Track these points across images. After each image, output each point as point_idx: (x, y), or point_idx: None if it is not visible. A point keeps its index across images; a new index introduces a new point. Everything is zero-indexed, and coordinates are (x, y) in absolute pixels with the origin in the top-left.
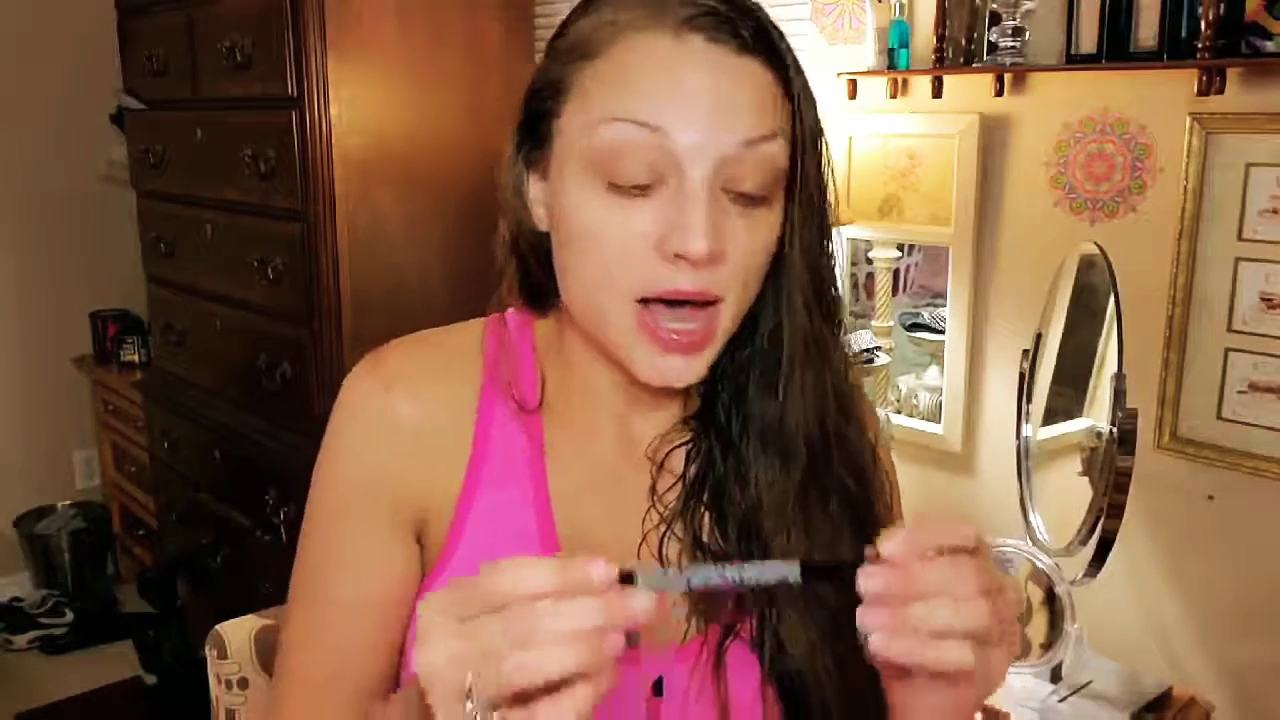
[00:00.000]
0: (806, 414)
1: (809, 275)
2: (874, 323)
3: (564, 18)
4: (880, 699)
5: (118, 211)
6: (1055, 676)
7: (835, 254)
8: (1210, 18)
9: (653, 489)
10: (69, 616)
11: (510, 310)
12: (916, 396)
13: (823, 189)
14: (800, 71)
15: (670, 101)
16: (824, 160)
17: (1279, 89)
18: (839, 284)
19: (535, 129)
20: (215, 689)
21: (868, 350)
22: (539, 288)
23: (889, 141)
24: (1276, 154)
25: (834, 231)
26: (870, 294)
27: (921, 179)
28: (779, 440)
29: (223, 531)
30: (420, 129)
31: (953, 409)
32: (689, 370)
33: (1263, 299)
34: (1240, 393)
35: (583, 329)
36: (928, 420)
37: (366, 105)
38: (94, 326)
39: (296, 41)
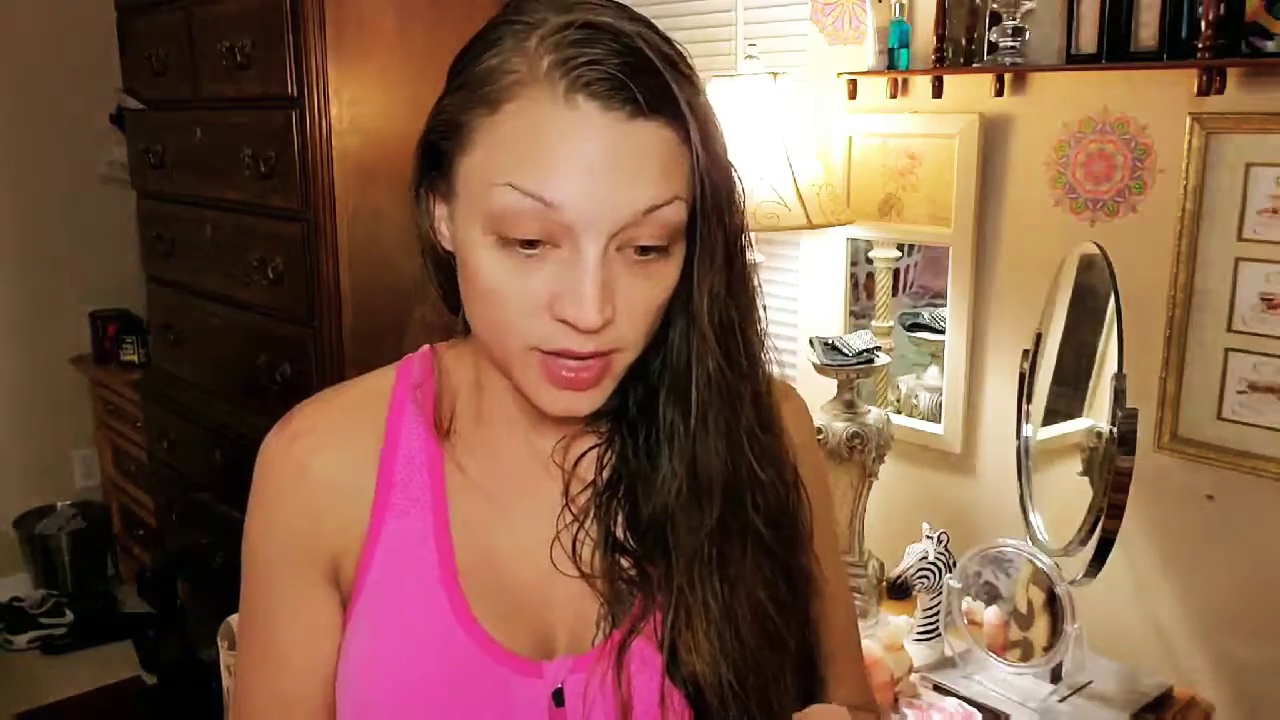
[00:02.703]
0: (719, 459)
1: (716, 328)
2: (874, 323)
3: (470, 44)
4: (780, 713)
5: (118, 211)
6: (1055, 676)
7: (756, 296)
8: (1210, 18)
9: (566, 490)
10: (69, 616)
11: (425, 351)
12: (916, 396)
13: (732, 236)
14: (706, 121)
15: (564, 174)
16: (735, 208)
17: (1279, 89)
18: (760, 324)
19: (437, 159)
20: (226, 680)
21: (868, 350)
22: (458, 301)
23: (889, 141)
24: (1277, 154)
25: (750, 274)
26: (870, 294)
27: (922, 179)
28: (693, 484)
29: (222, 531)
30: (419, 129)
31: (953, 409)
32: (588, 402)
33: (1263, 299)
34: (1240, 393)
35: (485, 354)
36: (928, 420)
37: (366, 105)
38: (93, 326)
39: (296, 41)
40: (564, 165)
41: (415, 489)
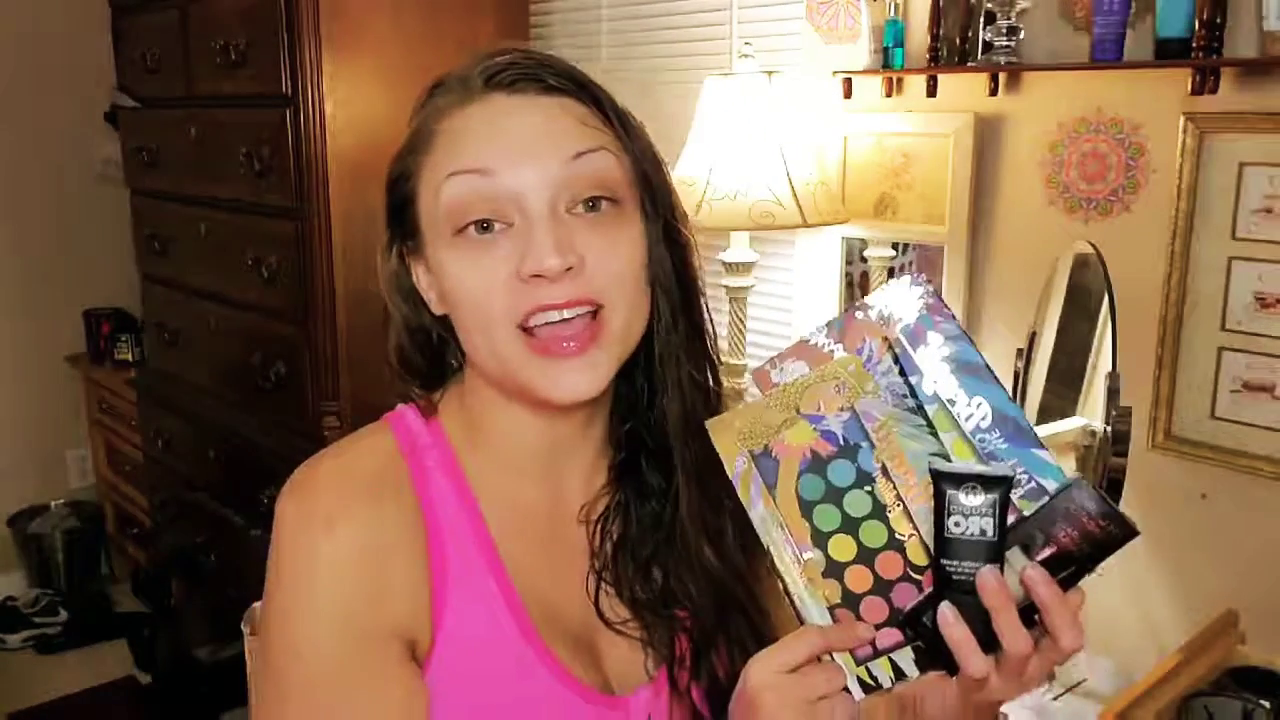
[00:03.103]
0: (700, 506)
1: (675, 290)
2: None
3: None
4: None
5: (112, 210)
6: (1050, 675)
7: (701, 282)
8: (1204, 17)
9: (592, 553)
10: (63, 615)
11: (405, 410)
12: None
13: (674, 211)
14: (615, 105)
15: (492, 148)
16: (668, 186)
17: (1272, 89)
18: (709, 320)
19: (402, 220)
20: (250, 664)
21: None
22: (428, 376)
23: (884, 140)
24: (1270, 153)
25: (691, 251)
26: (865, 293)
27: (916, 178)
28: (684, 522)
29: (217, 530)
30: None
31: None
32: (586, 375)
33: (1256, 298)
34: (1233, 392)
35: (489, 379)
36: None
37: (361, 103)
38: (88, 325)
39: (291, 39)
40: (493, 141)
41: (465, 547)
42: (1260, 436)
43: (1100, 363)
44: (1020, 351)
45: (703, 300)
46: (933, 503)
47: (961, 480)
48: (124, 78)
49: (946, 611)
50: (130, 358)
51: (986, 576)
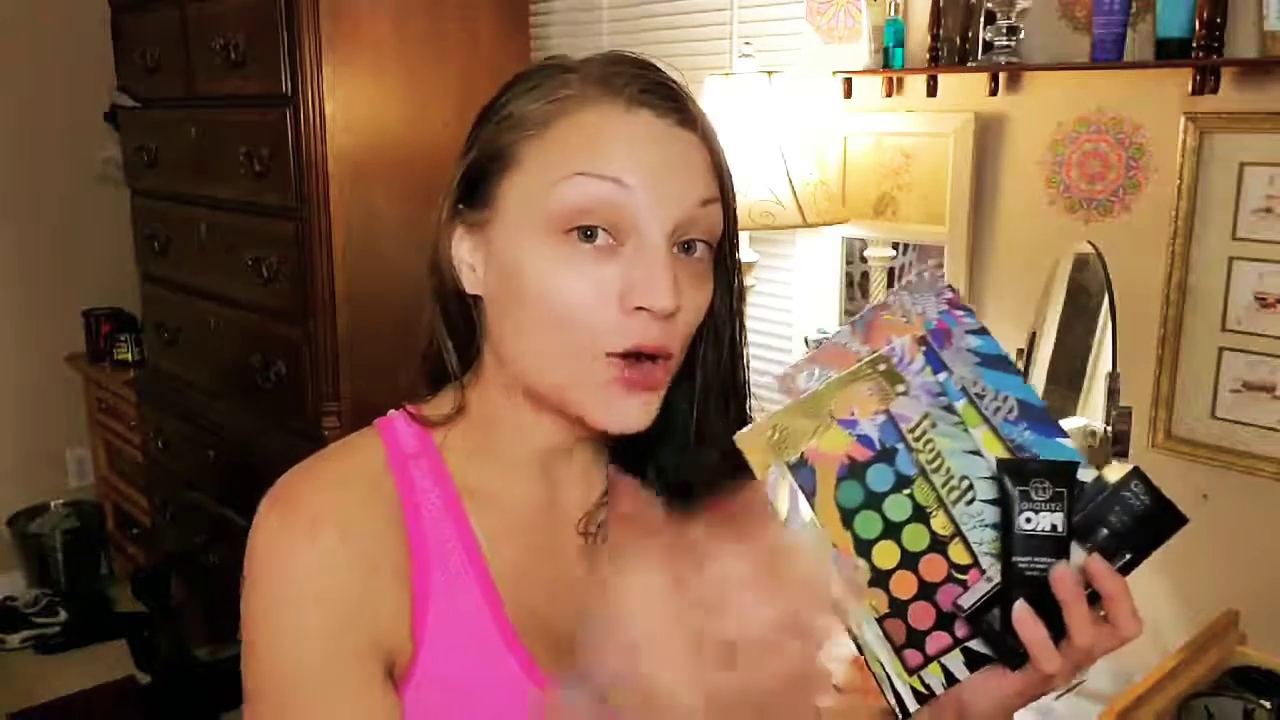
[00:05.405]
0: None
1: (714, 335)
2: None
3: (499, 94)
4: None
5: (111, 209)
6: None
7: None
8: (1204, 17)
9: (589, 564)
10: (62, 616)
11: (396, 416)
12: None
13: (734, 257)
14: (725, 157)
15: (630, 163)
16: (738, 236)
17: (1272, 88)
18: (743, 359)
19: (474, 191)
20: None
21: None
22: (443, 364)
23: (884, 140)
24: (1270, 153)
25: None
26: (865, 293)
27: (916, 178)
28: None
29: (217, 530)
30: (415, 127)
31: None
32: (643, 411)
33: (1256, 298)
34: (1234, 391)
35: (518, 379)
36: None
37: (361, 104)
38: (87, 325)
39: (291, 39)
40: (631, 157)
41: (450, 552)
42: (1260, 436)
43: (1100, 363)
44: (1020, 351)
45: (742, 347)
46: (974, 497)
47: (1029, 475)
48: (124, 78)
49: (1024, 613)
50: (130, 358)
51: (1063, 572)
